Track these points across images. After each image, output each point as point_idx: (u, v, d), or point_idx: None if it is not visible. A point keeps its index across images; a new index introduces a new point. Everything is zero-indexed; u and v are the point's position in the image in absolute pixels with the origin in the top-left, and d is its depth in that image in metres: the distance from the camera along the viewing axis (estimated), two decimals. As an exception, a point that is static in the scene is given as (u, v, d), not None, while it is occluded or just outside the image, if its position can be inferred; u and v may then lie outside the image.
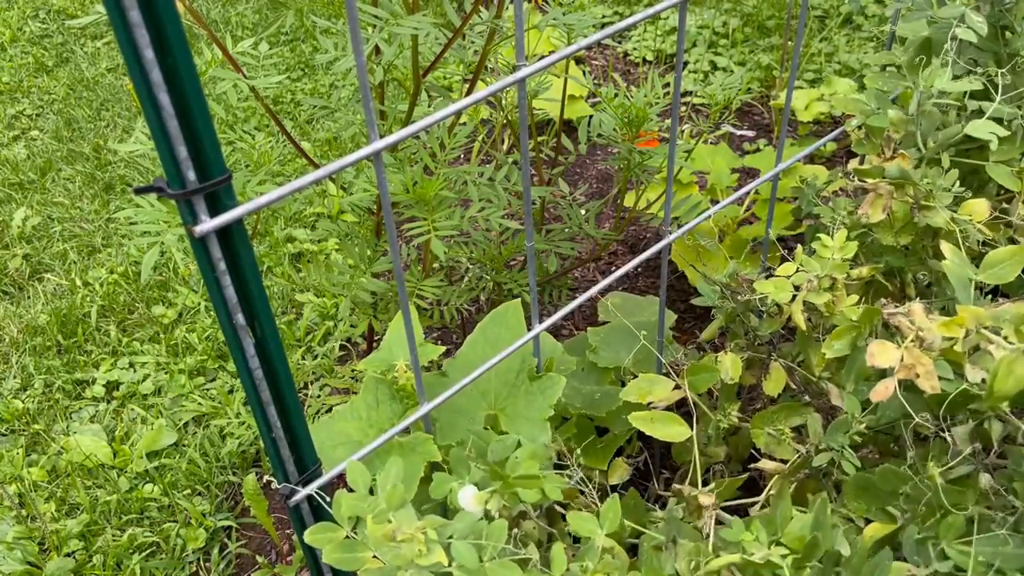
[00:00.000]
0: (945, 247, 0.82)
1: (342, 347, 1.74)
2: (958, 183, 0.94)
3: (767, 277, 0.94)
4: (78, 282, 1.95)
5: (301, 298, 1.86)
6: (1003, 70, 0.96)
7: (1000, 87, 0.95)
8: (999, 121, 0.94)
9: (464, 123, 1.95)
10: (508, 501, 0.74)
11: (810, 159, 1.95)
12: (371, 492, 0.65)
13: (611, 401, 1.05)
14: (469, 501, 0.72)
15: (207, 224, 0.52)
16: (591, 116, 1.37)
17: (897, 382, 0.70)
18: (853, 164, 1.02)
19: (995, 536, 0.67)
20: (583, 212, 1.43)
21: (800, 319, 0.90)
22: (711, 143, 2.16)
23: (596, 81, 2.53)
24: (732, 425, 0.97)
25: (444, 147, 1.11)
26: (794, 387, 0.99)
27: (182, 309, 1.87)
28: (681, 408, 0.94)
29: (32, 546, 1.39)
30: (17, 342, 1.80)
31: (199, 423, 1.60)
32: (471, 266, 1.35)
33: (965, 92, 0.97)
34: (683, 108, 2.34)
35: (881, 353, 0.71)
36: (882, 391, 0.70)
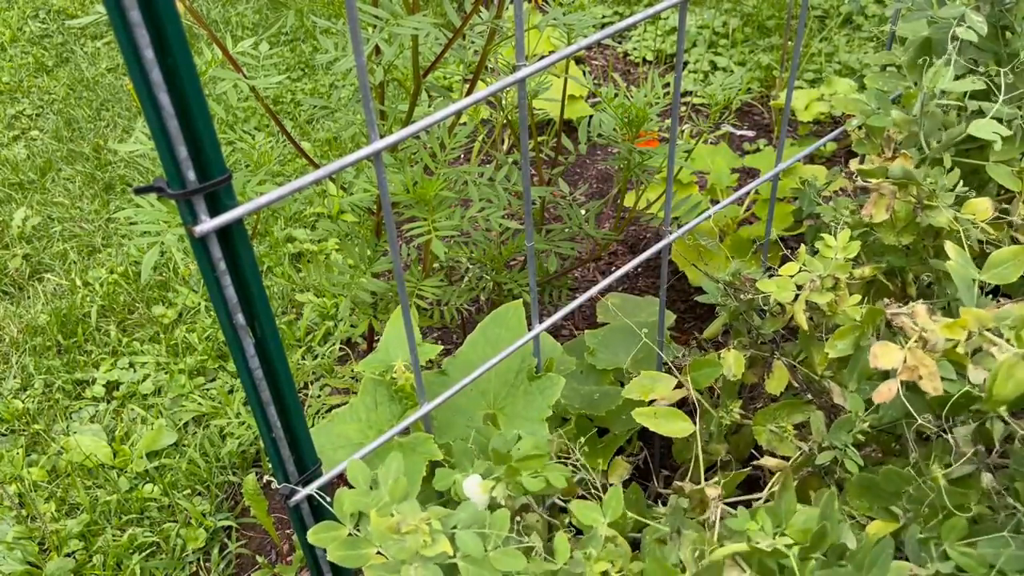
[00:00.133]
0: (949, 247, 0.82)
1: (342, 347, 1.74)
2: (960, 183, 0.94)
3: (768, 277, 0.94)
4: (78, 282, 1.94)
5: (301, 298, 1.86)
6: (1006, 70, 0.96)
7: (1003, 87, 0.94)
8: (998, 121, 0.93)
9: (464, 123, 1.95)
10: (512, 490, 0.74)
11: (810, 159, 1.95)
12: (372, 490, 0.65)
13: (611, 401, 1.04)
14: (474, 490, 0.72)
15: (207, 224, 0.52)
16: (591, 116, 1.37)
17: (900, 383, 0.70)
18: (855, 164, 1.02)
19: (997, 538, 0.67)
20: (583, 212, 1.43)
21: (802, 318, 0.90)
22: (711, 143, 2.16)
23: (596, 81, 2.53)
24: (734, 422, 0.97)
25: (444, 147, 1.11)
26: (796, 385, 0.98)
27: (182, 309, 1.86)
28: (682, 408, 0.94)
29: (32, 546, 1.39)
30: (17, 342, 1.80)
31: (199, 423, 1.60)
32: (471, 266, 1.35)
33: (965, 92, 0.96)
34: (683, 108, 2.34)
35: (884, 354, 0.71)
36: (885, 392, 0.70)
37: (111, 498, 1.45)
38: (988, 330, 0.70)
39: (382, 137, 0.61)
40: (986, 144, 0.95)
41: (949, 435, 0.74)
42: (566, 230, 1.39)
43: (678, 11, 0.76)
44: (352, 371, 1.61)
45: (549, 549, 0.70)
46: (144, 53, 0.45)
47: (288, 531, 1.41)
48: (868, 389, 0.83)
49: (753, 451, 1.03)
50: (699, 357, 0.98)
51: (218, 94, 1.03)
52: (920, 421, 0.73)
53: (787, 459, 0.90)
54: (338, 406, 1.00)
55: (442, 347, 0.99)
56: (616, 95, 1.30)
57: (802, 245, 1.00)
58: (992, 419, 0.73)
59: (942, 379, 0.70)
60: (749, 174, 2.06)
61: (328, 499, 0.69)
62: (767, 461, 0.90)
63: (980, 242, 0.92)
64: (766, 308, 0.97)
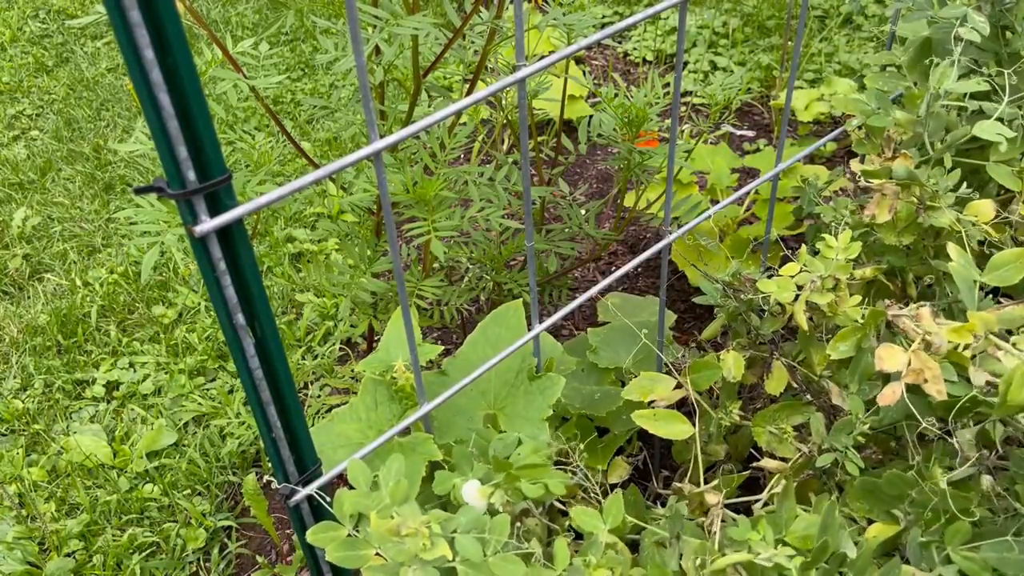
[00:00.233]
0: (951, 249, 0.81)
1: (342, 347, 1.73)
2: (962, 184, 0.94)
3: (768, 277, 0.94)
4: (78, 282, 1.94)
5: (301, 298, 1.86)
6: (1010, 71, 0.95)
7: (1007, 88, 0.94)
8: (999, 121, 0.93)
9: (464, 123, 1.95)
10: (511, 496, 0.74)
11: (810, 159, 1.95)
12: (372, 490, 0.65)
13: (611, 401, 1.04)
14: (473, 495, 0.72)
15: (207, 224, 0.52)
16: (591, 116, 1.37)
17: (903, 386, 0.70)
18: (855, 164, 1.02)
19: (1000, 542, 0.67)
20: (583, 212, 1.43)
21: (802, 319, 0.89)
22: (711, 143, 2.16)
23: (596, 81, 2.53)
24: (733, 423, 0.97)
25: (444, 147, 1.11)
26: (795, 386, 0.98)
27: (182, 309, 1.86)
28: (682, 408, 0.94)
29: (32, 546, 1.39)
30: (17, 342, 1.79)
31: (199, 423, 1.60)
32: (471, 266, 1.35)
33: (966, 92, 0.96)
34: (683, 108, 2.34)
35: (889, 357, 0.70)
36: (889, 395, 0.69)
37: (111, 498, 1.45)
38: (993, 334, 0.70)
39: (382, 137, 0.61)
40: (986, 144, 0.95)
41: (952, 438, 0.74)
42: (566, 230, 1.39)
43: (678, 11, 0.76)
44: (352, 371, 1.61)
45: (548, 554, 0.70)
46: (144, 53, 0.45)
47: (288, 531, 1.41)
48: (868, 390, 0.83)
49: (752, 451, 1.03)
50: (698, 359, 0.98)
51: (218, 94, 1.03)
52: (924, 424, 0.73)
53: (786, 461, 0.90)
54: (338, 406, 0.99)
55: (442, 347, 0.98)
56: (616, 95, 1.30)
57: (803, 245, 1.00)
58: (993, 421, 0.73)
59: (944, 381, 0.70)
60: (749, 174, 2.05)
61: (328, 499, 0.69)
62: (767, 463, 0.90)
63: (981, 243, 0.92)
64: (765, 308, 0.97)
